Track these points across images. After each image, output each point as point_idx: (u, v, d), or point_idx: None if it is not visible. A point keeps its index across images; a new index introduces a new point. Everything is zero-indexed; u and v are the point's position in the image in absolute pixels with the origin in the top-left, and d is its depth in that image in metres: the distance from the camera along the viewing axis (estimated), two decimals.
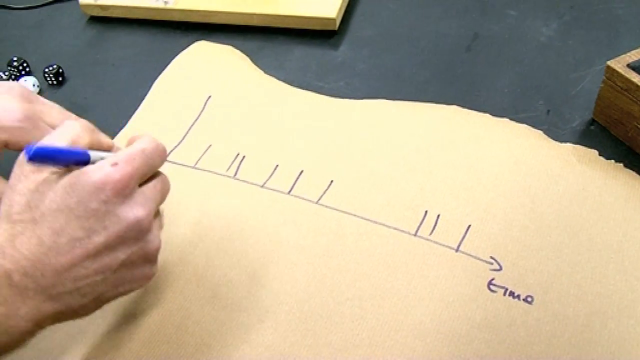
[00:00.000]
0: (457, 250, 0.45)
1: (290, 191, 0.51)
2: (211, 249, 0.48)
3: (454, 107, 0.55)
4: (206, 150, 0.56)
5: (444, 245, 0.46)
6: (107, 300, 0.40)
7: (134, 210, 0.38)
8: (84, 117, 0.51)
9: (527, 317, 0.41)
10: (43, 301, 0.36)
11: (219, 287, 0.45)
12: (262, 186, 0.52)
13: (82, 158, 0.37)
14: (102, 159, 0.38)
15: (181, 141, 0.57)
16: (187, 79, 0.62)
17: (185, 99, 0.60)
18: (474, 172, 0.50)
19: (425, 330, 0.41)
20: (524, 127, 0.53)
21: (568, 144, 0.51)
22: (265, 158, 0.54)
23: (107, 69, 0.68)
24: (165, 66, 0.63)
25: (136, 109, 0.61)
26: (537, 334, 0.41)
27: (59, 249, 0.36)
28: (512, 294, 0.43)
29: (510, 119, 0.54)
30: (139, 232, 0.38)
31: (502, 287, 0.43)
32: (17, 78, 0.68)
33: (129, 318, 0.44)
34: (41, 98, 0.47)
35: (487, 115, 0.54)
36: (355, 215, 0.49)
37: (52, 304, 0.37)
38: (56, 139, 0.38)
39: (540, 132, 0.52)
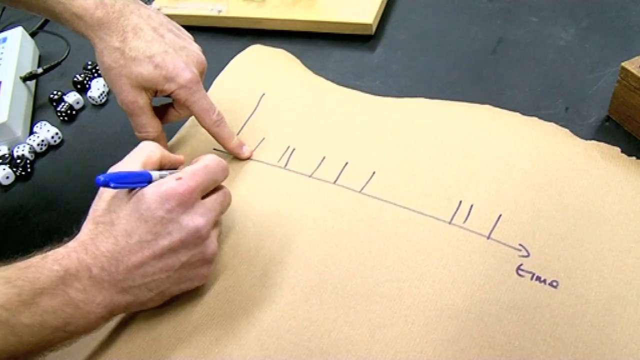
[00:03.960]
0: (488, 238, 0.43)
1: (335, 181, 0.49)
2: (262, 231, 0.46)
3: (486, 106, 0.52)
4: (260, 143, 0.54)
5: (476, 233, 0.43)
6: (170, 294, 0.41)
7: (195, 220, 0.38)
8: None
9: (552, 300, 0.39)
10: (116, 293, 0.37)
11: (269, 266, 0.44)
12: (310, 176, 0.50)
13: (145, 179, 0.38)
14: (161, 177, 0.39)
15: (237, 134, 0.55)
16: (243, 78, 0.60)
17: (242, 96, 0.58)
18: (505, 165, 0.47)
19: (457, 311, 0.39)
20: (551, 125, 0.49)
21: (592, 141, 0.48)
22: (313, 150, 0.52)
23: None
24: (219, 67, 0.61)
25: None
26: (561, 315, 0.38)
27: (130, 248, 0.37)
28: (538, 278, 0.40)
29: (532, 115, 0.50)
30: (198, 239, 0.39)
31: (530, 272, 0.40)
32: (90, 80, 0.69)
33: (191, 294, 0.43)
34: None
35: (517, 114, 0.51)
36: (395, 204, 0.46)
37: (123, 295, 0.38)
38: (129, 163, 0.40)
39: (567, 130, 0.49)
